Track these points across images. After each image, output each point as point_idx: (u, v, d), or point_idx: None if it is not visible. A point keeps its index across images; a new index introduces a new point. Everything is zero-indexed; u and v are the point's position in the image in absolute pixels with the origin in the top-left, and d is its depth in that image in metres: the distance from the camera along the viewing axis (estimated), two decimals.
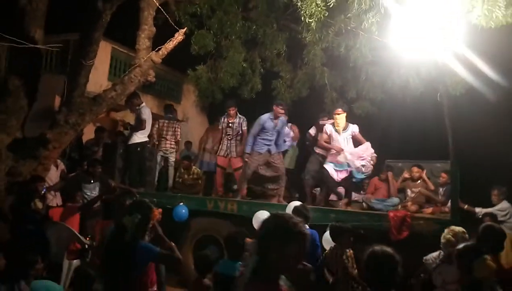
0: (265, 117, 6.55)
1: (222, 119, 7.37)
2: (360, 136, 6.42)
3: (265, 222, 2.00)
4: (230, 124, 7.28)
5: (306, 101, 8.70)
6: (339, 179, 6.29)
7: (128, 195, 6.27)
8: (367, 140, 6.44)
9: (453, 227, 4.24)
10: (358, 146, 6.39)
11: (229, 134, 7.27)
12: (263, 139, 6.53)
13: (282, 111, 6.57)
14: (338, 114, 6.34)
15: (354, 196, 7.03)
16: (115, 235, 3.05)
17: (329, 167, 6.27)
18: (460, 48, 4.77)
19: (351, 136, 6.38)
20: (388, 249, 2.60)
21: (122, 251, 2.96)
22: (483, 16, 4.38)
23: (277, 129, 6.59)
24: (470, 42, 4.85)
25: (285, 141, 7.21)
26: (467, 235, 4.09)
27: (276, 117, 6.54)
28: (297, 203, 5.47)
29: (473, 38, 4.73)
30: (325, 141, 6.50)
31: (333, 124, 6.47)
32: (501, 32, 4.64)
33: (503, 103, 6.03)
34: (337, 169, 6.25)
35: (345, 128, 6.37)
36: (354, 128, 6.41)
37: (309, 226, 4.98)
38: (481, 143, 6.57)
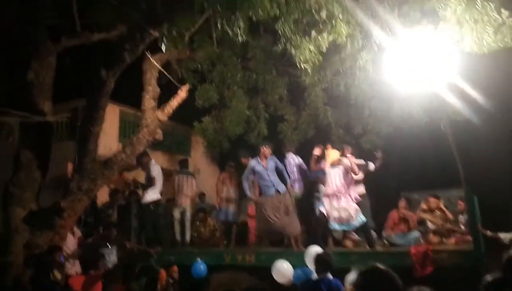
0: (253, 162, 6.62)
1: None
2: (355, 168, 6.38)
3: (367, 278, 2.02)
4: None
5: (314, 141, 8.75)
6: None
7: (145, 256, 6.31)
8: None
9: None
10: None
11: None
12: (265, 183, 6.54)
13: (268, 151, 6.60)
14: (326, 149, 6.41)
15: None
16: None
17: (322, 207, 6.24)
18: (456, 77, 4.82)
19: (342, 172, 6.31)
20: (426, 289, 2.49)
21: None
22: (474, 43, 4.46)
23: (270, 169, 6.59)
24: (467, 69, 4.91)
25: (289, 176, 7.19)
26: None
27: (263, 158, 6.55)
28: (317, 249, 5.37)
29: (469, 65, 4.80)
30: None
31: None
32: (496, 57, 4.71)
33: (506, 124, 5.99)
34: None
35: (336, 164, 6.35)
36: (346, 163, 6.41)
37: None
38: (495, 166, 6.47)
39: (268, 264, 5.47)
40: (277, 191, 6.54)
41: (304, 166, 7.29)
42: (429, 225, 6.69)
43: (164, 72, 6.62)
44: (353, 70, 6.16)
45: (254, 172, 6.70)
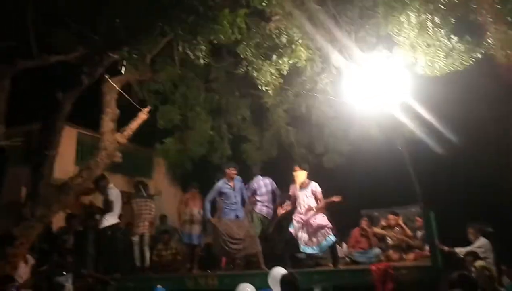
0: (220, 183, 6.58)
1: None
2: (319, 196, 6.35)
3: None
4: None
5: (277, 161, 8.82)
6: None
7: (103, 284, 6.07)
8: (341, 192, 6.47)
9: None
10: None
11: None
12: (228, 206, 6.50)
13: (235, 172, 6.61)
14: (295, 171, 6.43)
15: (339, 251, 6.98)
16: None
17: (292, 229, 6.25)
18: (409, 98, 5.04)
19: (311, 193, 6.38)
20: None
21: None
22: (427, 67, 4.70)
23: (237, 190, 6.59)
24: (420, 91, 5.16)
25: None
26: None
27: (230, 179, 6.57)
28: (280, 270, 5.34)
29: (423, 87, 5.05)
30: (291, 201, 6.58)
31: None
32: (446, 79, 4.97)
33: (460, 144, 6.31)
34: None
35: (305, 186, 6.41)
36: (313, 187, 6.40)
37: None
38: (449, 183, 6.78)
39: (232, 288, 5.37)
40: (237, 216, 6.50)
41: (275, 188, 7.25)
42: (389, 241, 6.86)
43: (124, 94, 6.52)
44: (314, 92, 6.33)
45: (220, 193, 6.63)
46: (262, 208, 7.10)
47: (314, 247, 6.13)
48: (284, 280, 4.38)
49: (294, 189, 6.49)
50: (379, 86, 5.06)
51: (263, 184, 7.22)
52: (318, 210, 6.18)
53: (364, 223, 6.95)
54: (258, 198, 7.15)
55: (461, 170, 7.10)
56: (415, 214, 6.99)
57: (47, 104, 5.84)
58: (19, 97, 6.51)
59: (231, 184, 6.58)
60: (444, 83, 5.00)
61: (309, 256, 6.45)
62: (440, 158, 6.89)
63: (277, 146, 8.64)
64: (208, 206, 6.59)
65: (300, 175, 6.39)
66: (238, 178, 6.72)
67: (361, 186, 9.10)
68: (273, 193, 7.24)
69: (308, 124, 8.03)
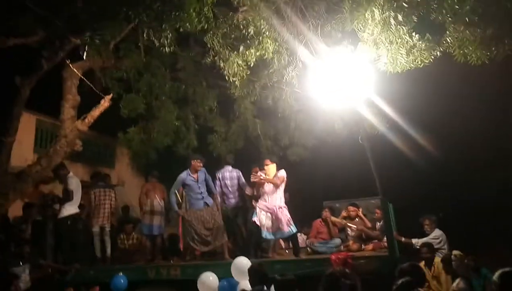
0: (183, 175, 6.53)
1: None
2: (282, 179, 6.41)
3: None
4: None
5: (243, 153, 8.85)
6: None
7: (61, 275, 5.92)
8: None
9: None
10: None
11: None
12: (195, 196, 6.49)
13: (200, 164, 6.59)
14: (267, 165, 6.47)
15: (301, 242, 7.10)
16: None
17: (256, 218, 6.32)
18: (372, 94, 5.18)
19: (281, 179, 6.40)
20: None
21: None
22: (389, 63, 4.83)
23: (200, 182, 6.57)
24: (383, 87, 5.31)
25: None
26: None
27: (194, 172, 6.56)
28: (243, 260, 5.40)
29: (386, 83, 5.19)
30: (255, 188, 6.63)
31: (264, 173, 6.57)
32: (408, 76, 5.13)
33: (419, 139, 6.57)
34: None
35: (274, 177, 6.46)
36: (281, 173, 6.44)
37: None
38: (407, 177, 7.08)
39: (195, 277, 5.39)
40: (206, 203, 6.49)
41: (242, 179, 7.23)
42: (349, 232, 7.05)
43: (86, 80, 6.33)
44: (280, 84, 6.38)
45: (184, 185, 6.58)
46: (229, 200, 7.10)
47: (277, 233, 6.24)
48: (252, 271, 4.43)
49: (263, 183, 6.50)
50: (343, 81, 5.16)
51: (228, 176, 7.19)
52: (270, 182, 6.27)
53: (325, 214, 7.09)
54: (224, 189, 7.14)
55: (419, 164, 7.42)
56: (375, 206, 7.20)
57: (5, 89, 5.59)
58: None
59: (195, 176, 6.54)
60: (406, 80, 5.17)
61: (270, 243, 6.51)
62: (400, 153, 7.16)
63: (244, 137, 8.68)
64: (173, 198, 6.54)
65: (271, 168, 6.44)
66: (203, 169, 6.69)
67: (325, 178, 9.32)
68: (239, 185, 7.22)
69: (274, 117, 8.09)
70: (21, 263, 5.89)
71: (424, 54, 4.63)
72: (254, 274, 4.35)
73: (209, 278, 5.25)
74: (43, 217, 7.29)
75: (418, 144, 7.15)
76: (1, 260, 6.16)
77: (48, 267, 6.20)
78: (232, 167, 7.28)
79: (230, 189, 7.13)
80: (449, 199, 8.60)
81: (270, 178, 6.35)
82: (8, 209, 6.41)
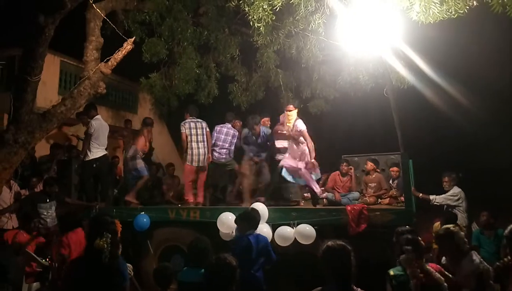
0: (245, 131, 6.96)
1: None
2: (305, 134, 6.25)
3: None
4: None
5: (263, 104, 8.80)
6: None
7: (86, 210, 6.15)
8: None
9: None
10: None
11: None
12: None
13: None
14: (290, 110, 6.36)
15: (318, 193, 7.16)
16: (90, 262, 2.85)
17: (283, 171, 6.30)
18: (402, 45, 4.98)
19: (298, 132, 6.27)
20: (341, 242, 2.69)
21: (105, 274, 2.81)
22: (422, 12, 4.60)
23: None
24: (413, 38, 5.10)
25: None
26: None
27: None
28: (259, 204, 5.53)
29: (415, 34, 4.97)
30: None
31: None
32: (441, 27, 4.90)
33: (445, 94, 6.36)
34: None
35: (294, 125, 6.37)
36: (299, 125, 6.26)
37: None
38: (430, 134, 6.92)
39: (213, 220, 5.57)
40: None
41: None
42: (366, 186, 7.08)
43: (109, 22, 6.25)
44: (305, 33, 6.19)
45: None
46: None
47: (299, 179, 6.25)
48: (245, 216, 4.51)
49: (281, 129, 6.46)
50: (372, 30, 4.97)
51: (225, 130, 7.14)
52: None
53: (343, 168, 7.09)
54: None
55: (445, 120, 7.22)
56: (393, 163, 7.15)
57: (29, 28, 5.56)
58: (3, 20, 6.18)
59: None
60: (439, 31, 4.93)
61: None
62: (425, 109, 6.99)
63: (264, 88, 8.58)
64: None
65: (293, 114, 6.33)
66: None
67: (345, 132, 9.25)
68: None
69: (297, 68, 7.94)
70: (47, 200, 6.16)
71: (459, 3, 4.39)
72: (248, 219, 4.45)
73: (229, 218, 5.41)
74: (68, 157, 7.53)
75: (447, 100, 6.91)
76: (29, 196, 6.45)
77: (72, 204, 6.46)
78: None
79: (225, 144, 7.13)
80: (472, 162, 8.39)
81: (288, 133, 6.29)
82: (34, 147, 6.62)
